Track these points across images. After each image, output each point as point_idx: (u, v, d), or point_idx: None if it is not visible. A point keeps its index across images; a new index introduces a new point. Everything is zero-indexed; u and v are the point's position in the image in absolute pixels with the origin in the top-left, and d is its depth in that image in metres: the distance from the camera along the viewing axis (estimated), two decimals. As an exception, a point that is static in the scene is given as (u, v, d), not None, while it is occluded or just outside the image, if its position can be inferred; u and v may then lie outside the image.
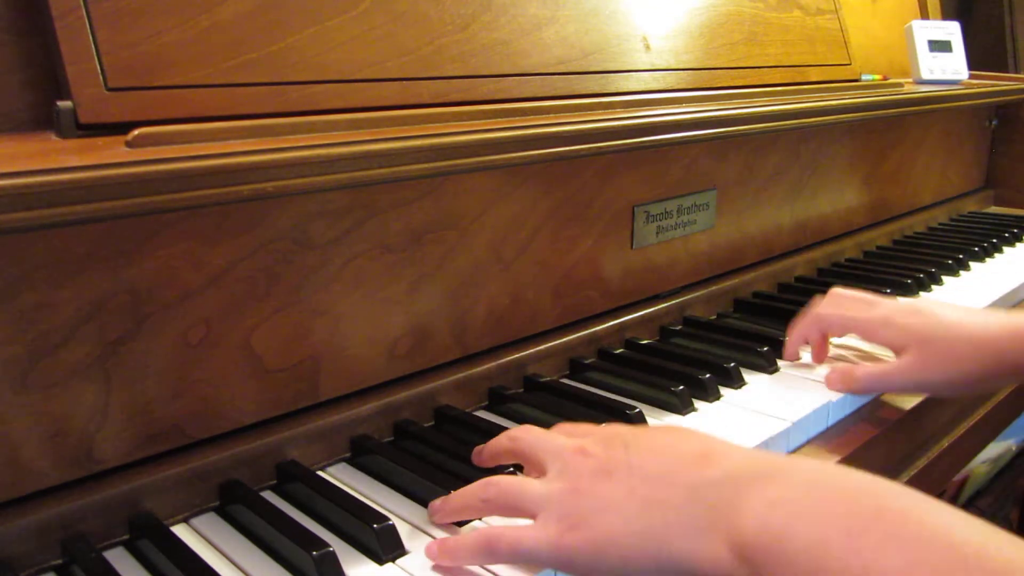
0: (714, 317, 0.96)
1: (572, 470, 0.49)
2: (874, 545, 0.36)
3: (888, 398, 0.78)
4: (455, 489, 0.56)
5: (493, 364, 0.74)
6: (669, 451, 0.47)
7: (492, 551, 0.49)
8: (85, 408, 0.52)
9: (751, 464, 0.45)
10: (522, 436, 0.54)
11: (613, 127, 0.71)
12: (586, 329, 0.83)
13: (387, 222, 0.64)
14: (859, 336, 0.78)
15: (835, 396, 0.73)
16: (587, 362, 0.81)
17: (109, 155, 0.46)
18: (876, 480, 0.41)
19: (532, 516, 0.49)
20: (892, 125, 1.26)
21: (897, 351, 0.74)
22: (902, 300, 0.78)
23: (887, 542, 0.36)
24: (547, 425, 0.68)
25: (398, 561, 0.52)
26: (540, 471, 0.51)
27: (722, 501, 0.43)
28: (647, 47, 0.87)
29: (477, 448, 0.59)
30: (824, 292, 1.01)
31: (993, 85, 1.41)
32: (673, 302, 0.92)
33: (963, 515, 0.37)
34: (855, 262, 1.20)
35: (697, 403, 0.72)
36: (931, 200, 1.44)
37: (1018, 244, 1.32)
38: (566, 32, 0.79)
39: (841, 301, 0.79)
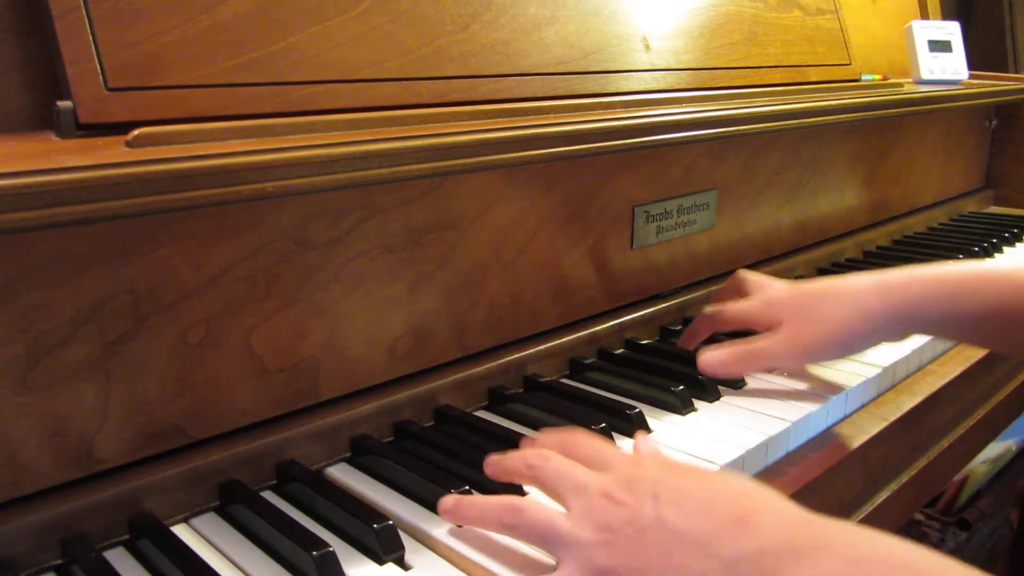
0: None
1: (599, 515, 0.47)
2: None
3: (888, 398, 0.78)
4: (455, 489, 0.56)
5: (493, 364, 0.74)
6: (702, 510, 0.45)
7: None
8: (85, 408, 0.52)
9: (789, 534, 0.43)
10: (540, 465, 0.52)
11: (613, 127, 0.71)
12: (586, 329, 0.82)
13: (387, 222, 0.64)
14: (748, 326, 0.78)
15: (836, 395, 0.73)
16: (587, 362, 0.81)
17: (109, 155, 0.46)
18: (914, 550, 0.40)
19: (556, 555, 0.48)
20: (892, 125, 1.26)
21: (777, 329, 0.74)
22: (780, 283, 0.79)
23: None
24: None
25: (398, 561, 0.52)
26: (560, 501, 0.50)
27: None
28: (647, 47, 0.87)
29: (490, 459, 0.57)
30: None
31: (993, 85, 1.41)
32: (673, 302, 0.92)
33: None
34: (855, 262, 1.20)
35: (697, 403, 0.72)
36: (931, 200, 1.44)
37: (1018, 244, 1.31)
38: (566, 32, 0.79)
39: (737, 283, 0.82)
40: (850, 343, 0.72)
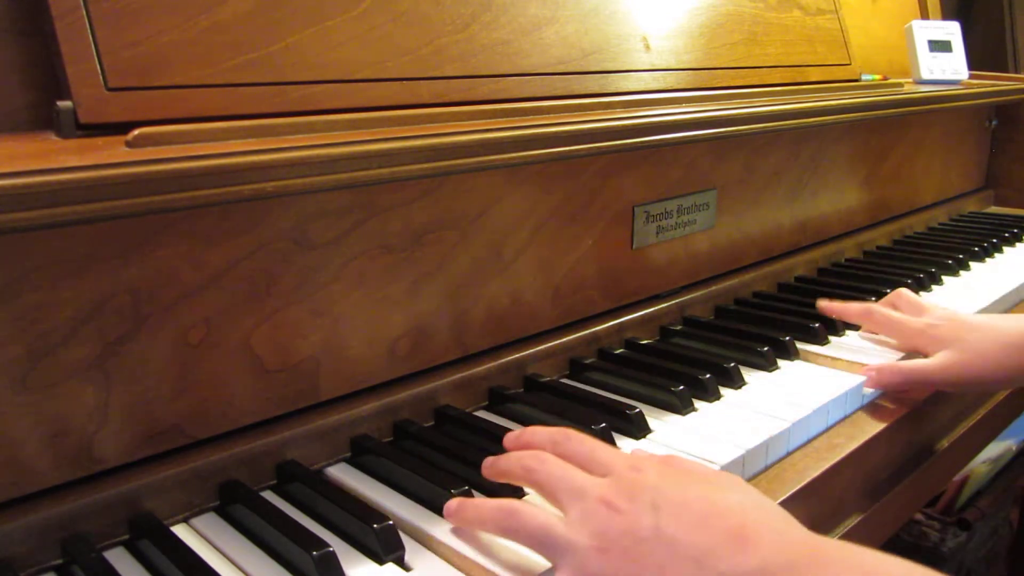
0: (714, 317, 0.96)
1: (596, 523, 0.47)
2: None
3: (886, 400, 0.78)
4: (455, 489, 0.56)
5: (493, 364, 0.74)
6: (701, 524, 0.45)
7: None
8: (85, 408, 0.52)
9: (787, 552, 0.42)
10: (538, 468, 0.52)
11: (613, 127, 0.71)
12: (586, 329, 0.82)
13: (387, 222, 0.64)
14: (896, 339, 0.85)
15: (835, 396, 0.73)
16: (587, 362, 0.81)
17: (109, 155, 0.46)
18: (913, 569, 0.40)
19: (552, 560, 0.48)
20: (892, 125, 1.26)
21: (930, 355, 0.79)
22: (941, 310, 0.84)
23: None
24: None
25: (398, 561, 0.52)
26: (557, 505, 0.50)
27: None
28: (647, 47, 0.87)
29: (488, 460, 0.56)
30: (825, 292, 1.02)
31: (993, 85, 1.41)
32: (673, 302, 0.92)
33: None
34: (855, 262, 1.20)
35: (697, 403, 0.72)
36: (931, 200, 1.44)
37: (1018, 244, 1.32)
38: (566, 32, 0.79)
39: (897, 301, 0.88)
40: (1007, 382, 0.81)
